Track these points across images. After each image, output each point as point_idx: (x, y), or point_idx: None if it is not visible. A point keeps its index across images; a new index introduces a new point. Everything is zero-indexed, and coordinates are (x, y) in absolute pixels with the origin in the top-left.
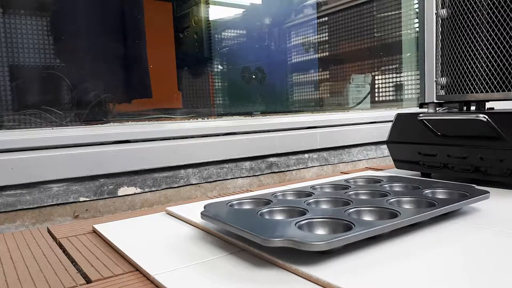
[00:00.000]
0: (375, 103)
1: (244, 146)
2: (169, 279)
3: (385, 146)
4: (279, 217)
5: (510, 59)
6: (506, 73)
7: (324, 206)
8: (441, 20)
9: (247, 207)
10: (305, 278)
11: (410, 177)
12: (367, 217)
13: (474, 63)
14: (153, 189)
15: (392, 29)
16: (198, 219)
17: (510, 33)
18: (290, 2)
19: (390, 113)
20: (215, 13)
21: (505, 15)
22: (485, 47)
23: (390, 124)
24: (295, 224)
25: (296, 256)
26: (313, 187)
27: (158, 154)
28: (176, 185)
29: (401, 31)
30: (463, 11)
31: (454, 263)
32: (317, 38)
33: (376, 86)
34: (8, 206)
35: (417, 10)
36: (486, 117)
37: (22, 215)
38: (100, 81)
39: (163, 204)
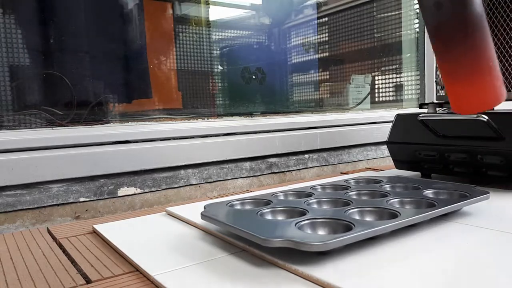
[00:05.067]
0: (375, 104)
1: (244, 147)
2: (169, 279)
3: (385, 147)
4: (279, 217)
5: (510, 60)
6: (506, 73)
7: (324, 207)
8: None
9: (247, 207)
10: (305, 278)
11: (410, 178)
12: (367, 218)
13: None
14: (153, 189)
15: (392, 29)
16: (198, 220)
17: (510, 33)
18: (290, 2)
19: (390, 114)
20: (215, 13)
21: (505, 16)
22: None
23: (390, 124)
24: (295, 225)
25: (296, 256)
26: (313, 187)
27: (158, 154)
28: (176, 186)
29: (401, 31)
30: None
31: (454, 264)
32: (317, 39)
33: (376, 86)
34: (8, 206)
35: (417, 10)
36: (486, 117)
37: (22, 215)
38: (100, 81)
39: (163, 204)
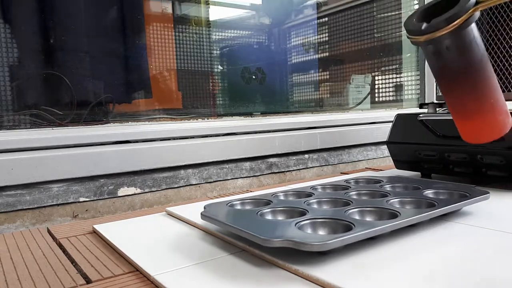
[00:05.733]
0: (375, 104)
1: (244, 147)
2: (169, 279)
3: (385, 147)
4: (279, 217)
5: (510, 60)
6: (506, 73)
7: (324, 207)
8: None
9: (247, 207)
10: (305, 278)
11: (410, 178)
12: (367, 218)
13: None
14: (153, 189)
15: (392, 29)
16: (198, 220)
17: (510, 33)
18: (290, 2)
19: (390, 114)
20: (215, 13)
21: (505, 16)
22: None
23: (390, 124)
24: (295, 225)
25: (296, 256)
26: (313, 187)
27: (158, 154)
28: (176, 186)
29: (401, 31)
30: None
31: (454, 264)
32: (317, 39)
33: (376, 86)
34: (8, 206)
35: None
36: None
37: (22, 215)
38: (99, 81)
39: (163, 204)
